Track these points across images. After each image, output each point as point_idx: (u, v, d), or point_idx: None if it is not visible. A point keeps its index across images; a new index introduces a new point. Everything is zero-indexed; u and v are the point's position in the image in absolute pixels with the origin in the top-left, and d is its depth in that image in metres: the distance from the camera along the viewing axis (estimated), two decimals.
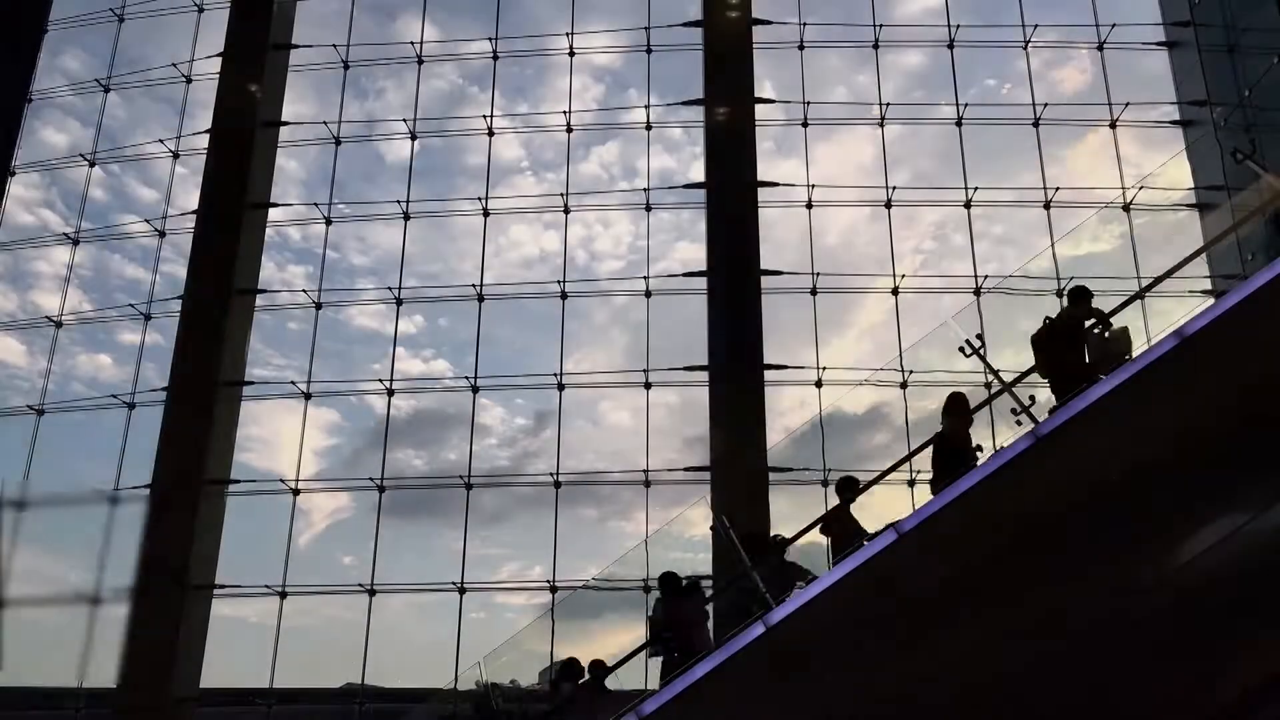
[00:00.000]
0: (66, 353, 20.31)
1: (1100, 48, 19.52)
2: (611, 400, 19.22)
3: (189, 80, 20.91)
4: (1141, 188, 17.98)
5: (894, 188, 18.97)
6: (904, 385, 17.08)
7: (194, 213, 19.76)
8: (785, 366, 17.82)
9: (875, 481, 9.59)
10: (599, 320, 20.16)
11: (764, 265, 18.18)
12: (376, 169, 21.00)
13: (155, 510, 17.60)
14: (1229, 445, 7.66)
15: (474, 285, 18.91)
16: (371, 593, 17.17)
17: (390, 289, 19.15)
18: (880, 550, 7.95)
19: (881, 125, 19.54)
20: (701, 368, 17.70)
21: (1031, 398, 8.29)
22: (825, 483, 16.56)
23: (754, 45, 19.43)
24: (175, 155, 20.70)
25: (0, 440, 19.33)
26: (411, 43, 20.58)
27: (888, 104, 19.54)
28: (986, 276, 18.13)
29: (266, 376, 19.47)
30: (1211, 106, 18.75)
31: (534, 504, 17.77)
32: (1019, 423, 8.24)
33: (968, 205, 18.75)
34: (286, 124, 20.50)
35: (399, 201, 19.60)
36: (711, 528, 13.20)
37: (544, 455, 18.28)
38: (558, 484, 17.76)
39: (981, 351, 8.84)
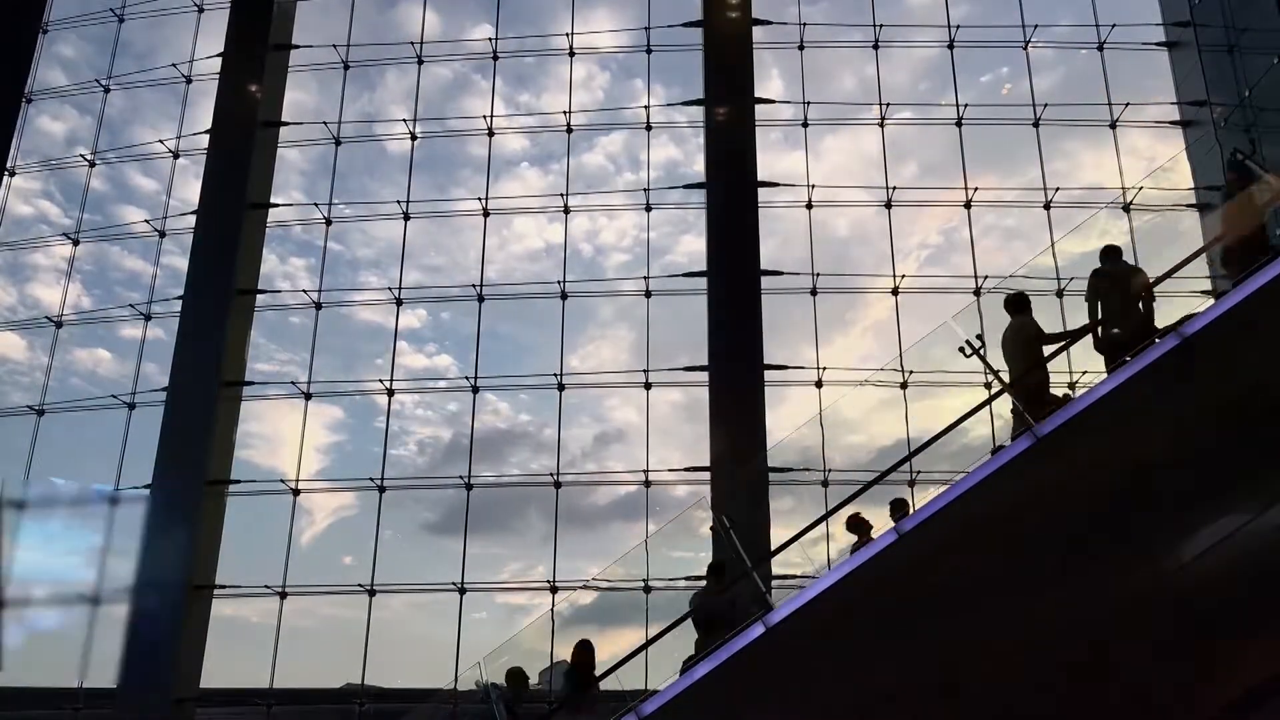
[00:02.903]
0: (65, 348, 20.31)
1: (1100, 48, 19.54)
2: (618, 398, 19.25)
3: (189, 80, 20.91)
4: (1141, 188, 18.00)
5: (894, 188, 18.98)
6: (904, 385, 17.09)
7: (194, 212, 19.78)
8: (785, 366, 17.84)
9: (875, 482, 9.60)
10: (605, 315, 20.19)
11: (769, 260, 18.22)
12: (378, 161, 21.02)
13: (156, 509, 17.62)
14: (1229, 445, 7.67)
15: (474, 285, 18.92)
16: (371, 593, 17.17)
17: (390, 289, 19.15)
18: (881, 550, 7.96)
19: (881, 125, 19.55)
20: (702, 368, 17.71)
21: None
22: (825, 484, 16.59)
23: (754, 45, 19.46)
24: (175, 155, 20.70)
25: (0, 440, 19.35)
26: (412, 43, 20.57)
27: (888, 104, 19.56)
28: (986, 277, 18.16)
29: (269, 371, 19.51)
30: (1211, 106, 18.75)
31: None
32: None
33: (968, 205, 18.76)
34: (286, 124, 20.50)
35: (399, 202, 19.60)
36: (711, 528, 13.19)
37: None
38: (558, 484, 17.77)
39: (981, 352, 8.84)
